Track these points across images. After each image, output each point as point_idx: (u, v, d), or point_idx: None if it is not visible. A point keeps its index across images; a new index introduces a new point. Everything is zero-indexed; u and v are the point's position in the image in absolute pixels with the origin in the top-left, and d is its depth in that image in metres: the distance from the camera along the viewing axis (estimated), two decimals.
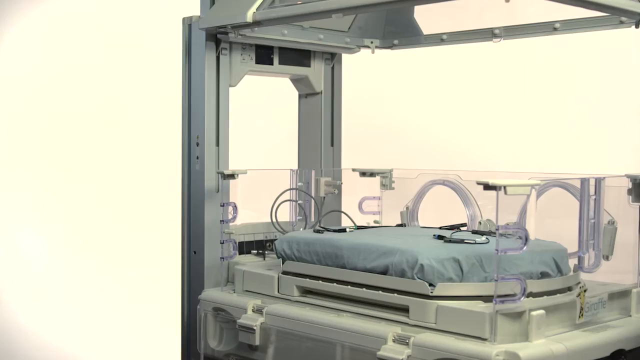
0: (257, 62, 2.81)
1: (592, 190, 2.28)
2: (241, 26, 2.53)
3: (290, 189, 2.79)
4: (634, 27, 2.47)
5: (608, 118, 4.13)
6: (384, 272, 2.12)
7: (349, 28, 3.03)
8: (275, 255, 2.47)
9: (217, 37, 2.68)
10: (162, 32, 3.97)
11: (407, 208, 2.82)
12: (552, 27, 2.66)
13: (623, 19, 2.46)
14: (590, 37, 2.90)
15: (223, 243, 2.59)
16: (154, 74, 4.28)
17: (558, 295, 2.11)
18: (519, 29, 2.78)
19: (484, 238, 2.21)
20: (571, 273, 2.21)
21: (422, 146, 4.19)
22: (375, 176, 2.93)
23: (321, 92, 3.08)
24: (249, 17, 2.44)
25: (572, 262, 2.27)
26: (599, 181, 2.28)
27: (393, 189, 2.95)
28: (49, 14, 4.65)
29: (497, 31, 2.79)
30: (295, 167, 2.81)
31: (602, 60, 4.12)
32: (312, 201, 2.81)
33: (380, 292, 2.12)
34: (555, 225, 2.41)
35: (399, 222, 2.81)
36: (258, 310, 2.32)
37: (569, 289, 2.16)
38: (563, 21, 2.62)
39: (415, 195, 2.81)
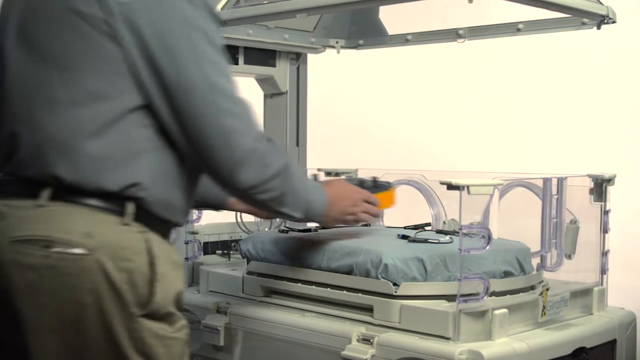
0: None
1: (554, 190, 2.30)
2: None
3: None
4: (595, 28, 2.49)
5: (570, 118, 4.17)
6: (349, 272, 2.12)
7: (314, 28, 3.03)
8: (240, 256, 2.46)
9: None
10: None
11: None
12: (516, 27, 2.68)
13: (585, 20, 2.48)
14: (554, 38, 2.93)
15: (187, 243, 2.57)
16: None
17: (521, 294, 2.13)
18: (483, 30, 2.79)
19: (447, 238, 2.22)
20: (534, 272, 2.22)
21: (387, 146, 4.20)
22: (340, 176, 2.93)
23: (286, 92, 3.07)
24: None
25: (535, 261, 2.29)
26: (561, 181, 2.30)
27: None
28: None
29: (461, 32, 2.81)
30: None
31: (565, 61, 4.16)
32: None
33: (344, 292, 2.12)
34: (519, 224, 2.43)
35: (364, 222, 2.81)
36: (222, 311, 2.31)
37: (532, 287, 2.18)
38: (526, 22, 2.64)
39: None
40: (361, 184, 2.28)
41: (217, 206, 2.26)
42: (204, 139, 1.68)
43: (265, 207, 1.87)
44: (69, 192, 1.63)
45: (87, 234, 1.59)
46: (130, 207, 1.65)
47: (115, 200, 1.65)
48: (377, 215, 2.24)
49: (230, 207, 2.28)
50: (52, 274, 1.57)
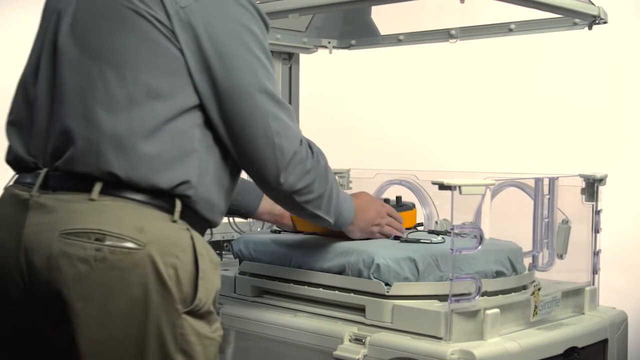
0: None
1: (546, 190, 2.30)
2: None
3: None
4: (587, 28, 2.50)
5: (562, 118, 4.18)
6: (341, 272, 2.12)
7: (307, 28, 3.03)
8: (232, 256, 2.46)
9: None
10: None
11: None
12: (508, 28, 2.68)
13: (577, 20, 2.49)
14: (545, 38, 2.93)
15: None
16: None
17: (513, 294, 2.13)
18: (474, 30, 2.80)
19: (439, 238, 2.22)
20: (526, 272, 2.23)
21: (380, 146, 4.21)
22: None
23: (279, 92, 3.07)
24: None
25: (527, 261, 2.30)
26: (552, 181, 2.30)
27: (350, 188, 2.95)
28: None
29: (453, 32, 2.81)
30: None
31: (557, 61, 4.17)
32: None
33: (336, 292, 2.12)
34: (511, 224, 2.44)
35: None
36: (214, 311, 2.30)
37: (524, 287, 2.18)
38: (518, 22, 2.65)
39: (372, 195, 2.82)
40: (385, 203, 2.35)
41: (246, 214, 2.33)
42: (251, 141, 1.73)
43: (301, 210, 1.90)
44: (119, 188, 1.67)
45: (139, 228, 1.63)
46: (179, 205, 1.70)
47: (164, 197, 1.69)
48: (402, 231, 2.27)
49: (258, 217, 2.35)
50: (104, 267, 1.61)
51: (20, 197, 1.73)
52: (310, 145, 1.88)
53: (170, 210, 1.70)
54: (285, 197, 1.85)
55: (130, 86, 1.68)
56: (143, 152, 1.67)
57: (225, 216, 2.49)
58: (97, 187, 1.67)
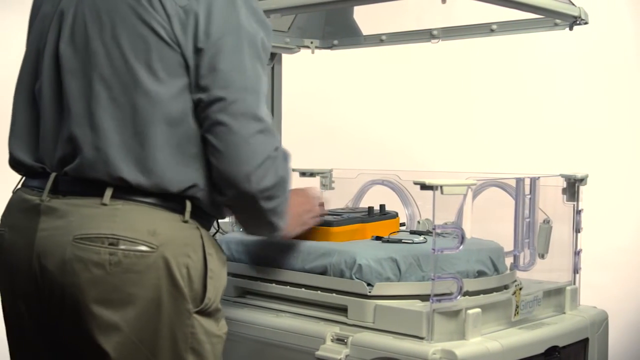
0: None
1: (527, 190, 2.31)
2: None
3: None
4: (568, 29, 2.51)
5: (544, 118, 4.20)
6: (323, 272, 2.12)
7: (289, 28, 3.03)
8: None
9: None
10: None
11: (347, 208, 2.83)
12: (489, 28, 2.69)
13: (557, 21, 2.50)
14: (527, 39, 2.94)
15: None
16: None
17: (494, 293, 2.14)
18: (456, 30, 2.80)
19: (421, 238, 2.23)
20: (507, 272, 2.24)
21: (362, 146, 4.21)
22: (315, 176, 2.94)
23: None
24: None
25: (509, 260, 2.30)
26: (533, 181, 2.31)
27: (333, 189, 2.95)
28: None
29: (435, 32, 2.81)
30: None
31: (538, 61, 4.19)
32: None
33: (319, 292, 2.13)
34: (493, 224, 2.45)
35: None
36: None
37: (505, 287, 2.19)
38: (500, 23, 2.66)
39: (354, 195, 2.82)
40: (369, 212, 2.38)
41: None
42: (230, 141, 1.70)
43: (260, 216, 1.82)
44: (130, 191, 1.69)
45: (152, 231, 1.66)
46: (189, 205, 1.72)
47: (175, 199, 1.72)
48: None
49: None
50: (118, 271, 1.64)
51: (31, 202, 1.75)
52: (284, 152, 1.84)
53: (181, 211, 1.72)
54: (251, 201, 1.76)
55: (133, 92, 1.68)
56: (151, 158, 1.68)
57: None
58: (109, 192, 1.68)
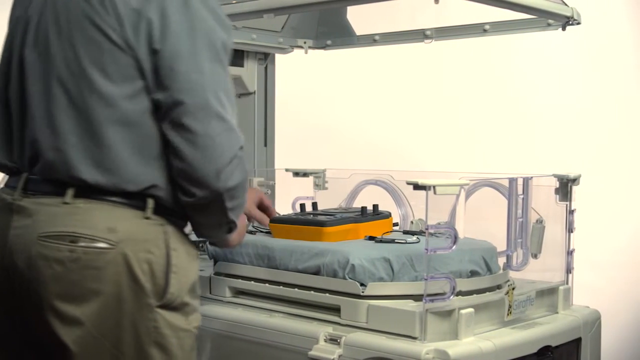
0: None
1: (520, 190, 2.31)
2: None
3: None
4: (560, 29, 2.52)
5: (537, 119, 4.20)
6: (316, 272, 2.13)
7: (282, 28, 3.03)
8: (207, 256, 2.46)
9: None
10: None
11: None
12: (482, 28, 2.70)
13: (550, 21, 2.51)
14: (520, 39, 2.95)
15: None
16: None
17: (487, 293, 2.14)
18: (449, 31, 2.81)
19: (414, 238, 2.23)
20: (500, 271, 2.24)
21: (355, 146, 4.21)
22: (308, 176, 2.94)
23: (254, 92, 3.07)
24: None
25: (502, 260, 2.31)
26: (526, 181, 2.32)
27: (326, 189, 2.95)
28: None
29: (428, 32, 2.82)
30: None
31: (531, 61, 4.19)
32: None
33: (312, 292, 2.13)
34: (486, 224, 2.45)
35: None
36: None
37: (498, 287, 2.20)
38: (493, 23, 2.66)
39: (348, 195, 2.83)
40: (362, 212, 2.39)
41: None
42: (194, 140, 1.71)
43: (222, 216, 1.83)
44: (92, 190, 1.73)
45: (111, 228, 1.70)
46: (151, 202, 1.75)
47: (136, 196, 1.74)
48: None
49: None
50: (78, 267, 1.69)
51: (6, 201, 1.80)
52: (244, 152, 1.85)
53: (143, 208, 1.74)
54: (216, 199, 1.77)
55: (88, 95, 1.72)
56: (108, 159, 1.71)
57: None
58: (70, 191, 1.72)
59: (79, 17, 1.73)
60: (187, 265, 1.79)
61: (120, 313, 1.70)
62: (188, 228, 1.87)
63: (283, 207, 2.81)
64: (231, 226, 1.90)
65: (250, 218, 2.29)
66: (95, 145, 1.71)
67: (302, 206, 2.51)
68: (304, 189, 2.92)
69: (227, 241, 2.02)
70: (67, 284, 1.69)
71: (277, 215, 2.42)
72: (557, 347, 2.15)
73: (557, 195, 2.40)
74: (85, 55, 1.72)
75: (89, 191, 1.73)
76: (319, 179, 2.94)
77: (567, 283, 2.38)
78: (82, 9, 1.73)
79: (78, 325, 1.70)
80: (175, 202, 1.78)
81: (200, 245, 2.72)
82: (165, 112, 1.72)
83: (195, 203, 1.79)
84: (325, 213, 2.41)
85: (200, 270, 2.43)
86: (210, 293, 2.36)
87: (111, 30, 1.70)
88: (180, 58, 1.71)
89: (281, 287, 2.20)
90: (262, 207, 2.33)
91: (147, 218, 1.74)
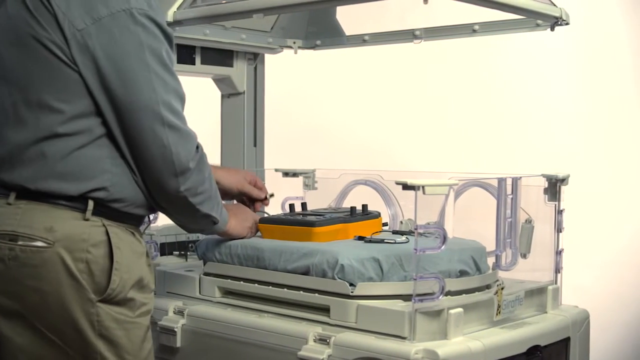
0: (179, 61, 2.79)
1: (509, 190, 2.32)
2: None
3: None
4: (549, 29, 2.52)
5: (526, 119, 4.21)
6: (305, 273, 2.12)
7: (272, 28, 3.02)
8: (197, 257, 2.45)
9: None
10: None
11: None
12: (471, 29, 2.70)
13: (539, 21, 2.51)
14: (509, 39, 2.95)
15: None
16: None
17: (476, 293, 2.14)
18: (439, 31, 2.81)
19: (404, 238, 2.23)
20: (489, 271, 2.24)
21: (345, 146, 4.21)
22: (298, 176, 2.94)
23: (244, 92, 3.06)
24: (170, 16, 2.42)
25: (491, 260, 2.31)
26: (515, 181, 2.32)
27: (316, 189, 2.95)
28: None
29: (417, 32, 2.82)
30: None
31: (520, 62, 4.20)
32: (234, 202, 2.80)
33: (301, 292, 2.12)
34: (475, 224, 2.45)
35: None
36: (179, 312, 2.30)
37: (487, 287, 2.20)
38: (482, 23, 2.66)
39: (337, 195, 2.82)
40: (352, 212, 2.40)
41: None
42: (150, 152, 1.85)
43: (195, 212, 1.99)
44: (33, 193, 1.84)
45: (48, 228, 1.80)
46: (91, 204, 1.84)
47: (78, 199, 1.84)
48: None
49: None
50: (17, 265, 1.80)
51: None
52: (201, 150, 1.96)
53: (83, 210, 1.83)
54: (181, 200, 1.93)
55: (36, 109, 1.82)
56: (49, 167, 1.82)
57: None
58: (13, 193, 1.85)
59: (27, 37, 1.83)
60: (131, 263, 1.89)
61: (61, 308, 1.80)
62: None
63: (272, 207, 2.81)
64: (211, 219, 2.05)
65: (245, 196, 2.42)
66: (38, 154, 1.82)
67: (292, 206, 2.51)
68: (294, 189, 2.91)
69: (227, 232, 2.22)
70: (8, 281, 1.81)
71: (267, 215, 2.43)
72: (546, 346, 2.15)
73: (546, 195, 2.40)
74: (35, 71, 1.83)
75: (30, 193, 1.83)
76: (309, 179, 2.94)
77: (555, 283, 2.38)
78: (30, 28, 1.82)
79: (19, 318, 1.82)
80: (123, 201, 1.88)
81: (190, 246, 2.73)
82: (117, 122, 1.83)
83: (163, 206, 1.96)
84: (315, 213, 2.41)
85: (190, 270, 2.46)
86: (200, 293, 2.36)
87: (58, 49, 1.80)
88: (128, 73, 1.81)
89: (270, 287, 2.20)
90: (257, 187, 2.45)
91: (86, 219, 1.83)
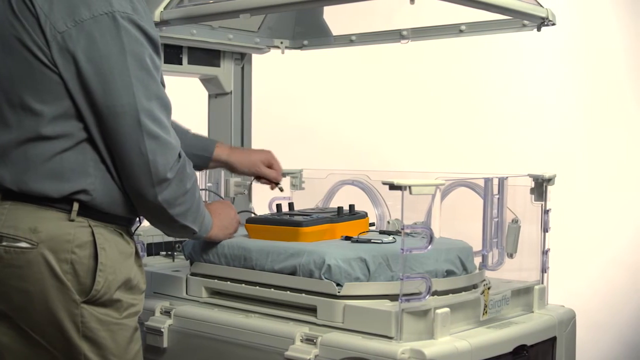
0: (166, 61, 2.78)
1: (495, 190, 2.32)
2: None
3: (199, 189, 2.77)
4: (536, 30, 2.53)
5: (513, 119, 4.22)
6: (292, 273, 2.12)
7: (259, 28, 3.02)
8: (184, 257, 2.45)
9: None
10: None
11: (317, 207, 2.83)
12: (458, 29, 2.70)
13: (526, 22, 2.52)
14: (496, 39, 2.96)
15: None
16: None
17: (463, 293, 2.15)
18: (426, 31, 2.81)
19: (390, 238, 2.23)
20: (476, 271, 2.24)
21: (332, 146, 4.21)
22: (285, 176, 2.92)
23: (231, 92, 3.06)
24: (157, 16, 2.42)
25: (477, 260, 2.31)
26: (502, 181, 2.32)
27: (303, 189, 2.95)
28: None
29: (404, 32, 2.82)
30: None
31: (507, 62, 4.22)
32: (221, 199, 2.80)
33: (288, 292, 2.12)
34: (462, 224, 2.46)
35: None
36: (166, 312, 2.29)
37: (474, 286, 2.20)
38: (468, 24, 2.67)
39: (325, 195, 2.82)
40: (339, 212, 2.40)
41: (199, 167, 2.45)
42: (127, 158, 1.83)
43: (172, 222, 1.97)
44: (18, 194, 1.83)
45: (33, 229, 1.80)
46: (76, 205, 1.83)
47: (62, 200, 1.83)
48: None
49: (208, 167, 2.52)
50: (1, 265, 1.81)
51: None
52: (184, 158, 1.94)
53: (68, 210, 1.83)
54: (158, 209, 1.91)
55: (19, 110, 1.82)
56: (32, 170, 1.82)
57: None
58: None
59: (10, 39, 1.83)
60: (118, 264, 1.88)
61: (46, 308, 1.80)
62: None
63: (260, 207, 2.81)
64: (190, 230, 2.02)
65: (261, 177, 2.51)
66: (21, 157, 1.82)
67: (279, 206, 2.51)
68: None
69: (210, 238, 2.21)
70: None
71: (254, 215, 2.44)
72: (532, 346, 2.16)
73: (533, 195, 2.41)
74: (17, 74, 1.82)
75: (15, 194, 1.83)
76: (296, 179, 2.93)
77: (542, 282, 2.39)
78: (14, 30, 1.82)
79: (4, 318, 1.83)
80: (108, 202, 1.87)
81: (178, 246, 2.73)
82: (97, 127, 1.82)
83: (141, 213, 1.96)
84: (302, 213, 2.41)
85: (177, 271, 2.46)
86: (187, 294, 2.35)
87: (39, 51, 1.80)
88: (109, 77, 1.79)
89: (257, 287, 2.20)
90: (271, 167, 2.52)
91: (72, 220, 1.82)
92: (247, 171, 2.50)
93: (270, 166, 2.51)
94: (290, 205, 2.55)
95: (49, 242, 1.80)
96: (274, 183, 2.55)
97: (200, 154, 2.42)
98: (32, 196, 1.82)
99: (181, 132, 2.35)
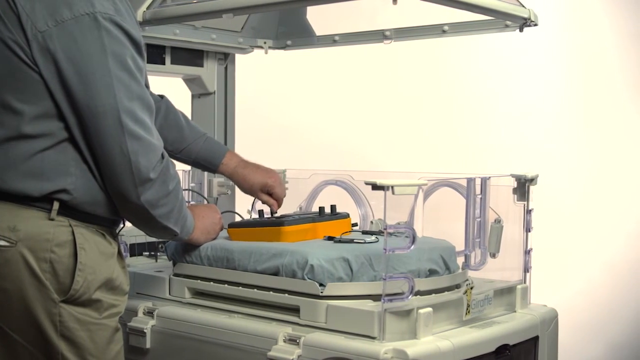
0: (149, 61, 2.73)
1: (478, 190, 2.33)
2: None
3: (182, 190, 2.76)
4: (518, 30, 2.54)
5: (496, 119, 4.24)
6: (275, 273, 2.12)
7: (242, 28, 3.02)
8: (167, 258, 2.44)
9: None
10: None
11: (300, 208, 2.83)
12: (441, 29, 2.71)
13: (508, 22, 2.53)
14: (479, 40, 2.97)
15: None
16: None
17: (446, 292, 2.15)
18: (409, 31, 2.82)
19: (373, 237, 2.23)
20: (459, 271, 2.25)
21: (315, 146, 4.22)
22: None
23: (214, 92, 3.06)
24: (140, 15, 2.42)
25: (460, 260, 2.32)
26: (484, 180, 2.33)
27: (286, 189, 2.95)
28: None
29: (387, 33, 2.83)
30: (188, 167, 2.79)
31: (489, 62, 4.23)
32: (205, 202, 2.79)
33: (271, 292, 2.12)
34: (445, 224, 2.46)
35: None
36: (149, 313, 2.29)
37: (457, 286, 2.21)
38: (451, 24, 2.68)
39: (308, 195, 2.82)
40: (321, 212, 2.40)
41: (209, 169, 2.50)
42: (109, 158, 1.83)
43: (153, 223, 1.96)
44: None
45: (12, 227, 1.80)
46: (56, 204, 1.83)
47: (42, 199, 1.83)
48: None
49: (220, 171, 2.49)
50: None
51: None
52: (167, 159, 1.95)
53: (48, 209, 1.83)
54: (140, 210, 1.91)
55: (0, 109, 1.82)
56: (12, 168, 1.82)
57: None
58: None
59: None
60: (98, 264, 1.88)
61: (23, 307, 1.80)
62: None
63: (243, 208, 2.80)
64: (171, 232, 2.02)
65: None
66: (1, 156, 1.83)
67: (261, 212, 2.49)
68: None
69: (191, 240, 2.20)
70: None
71: (276, 215, 2.47)
72: (514, 345, 2.17)
73: (515, 195, 2.41)
74: None
75: None
76: None
77: (524, 282, 2.39)
78: None
79: None
80: (89, 203, 1.87)
81: (161, 246, 2.72)
82: (78, 128, 1.82)
83: (123, 213, 1.95)
84: (283, 216, 2.41)
85: (160, 271, 2.45)
86: (170, 294, 2.35)
87: (20, 50, 1.79)
88: (90, 77, 1.79)
89: (240, 288, 2.19)
90: (273, 192, 2.47)
91: (51, 219, 1.82)
92: (248, 192, 2.49)
93: (271, 192, 2.47)
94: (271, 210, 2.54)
95: (27, 240, 1.80)
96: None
97: (206, 165, 2.46)
98: (12, 195, 1.82)
99: (195, 134, 2.39)
